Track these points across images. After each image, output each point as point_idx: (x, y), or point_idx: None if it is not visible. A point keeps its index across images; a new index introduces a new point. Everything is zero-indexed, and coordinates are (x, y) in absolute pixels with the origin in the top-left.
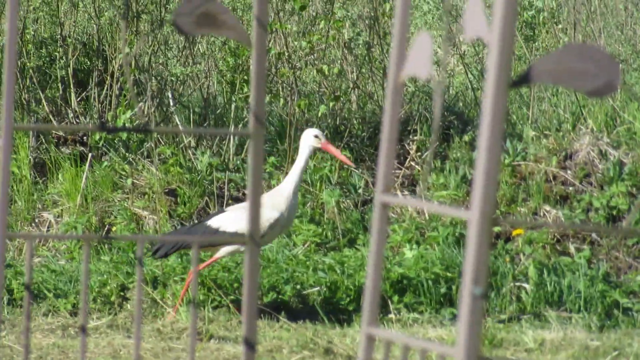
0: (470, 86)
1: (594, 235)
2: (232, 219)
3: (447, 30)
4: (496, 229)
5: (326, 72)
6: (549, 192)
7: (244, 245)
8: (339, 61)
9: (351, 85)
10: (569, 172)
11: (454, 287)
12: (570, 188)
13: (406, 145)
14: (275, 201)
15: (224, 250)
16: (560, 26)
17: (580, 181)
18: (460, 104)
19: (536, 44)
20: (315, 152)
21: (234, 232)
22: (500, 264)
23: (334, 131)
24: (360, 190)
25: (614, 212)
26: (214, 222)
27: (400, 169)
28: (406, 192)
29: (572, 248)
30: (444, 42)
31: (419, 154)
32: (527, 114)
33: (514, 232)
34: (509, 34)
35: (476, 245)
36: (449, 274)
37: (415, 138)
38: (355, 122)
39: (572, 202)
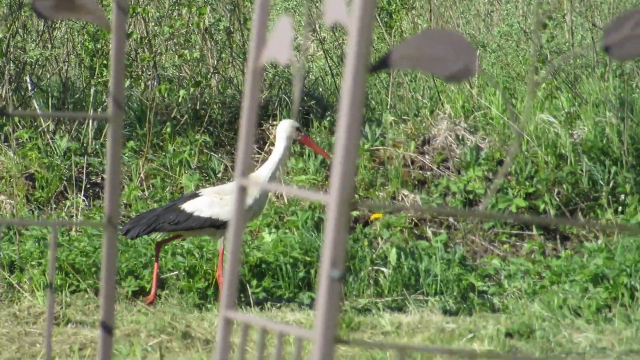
0: (330, 71)
1: (450, 219)
2: (207, 204)
3: (307, 15)
4: (355, 213)
5: (187, 57)
6: (407, 176)
7: (219, 231)
8: (199, 46)
9: (211, 70)
10: (426, 156)
11: (312, 271)
12: (428, 173)
13: (266, 130)
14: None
15: (220, 242)
16: (414, 12)
17: (438, 166)
18: (320, 89)
19: (394, 29)
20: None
21: (209, 217)
22: (358, 248)
23: (194, 116)
24: (219, 175)
25: (471, 197)
26: (188, 206)
27: (260, 154)
28: None
29: (429, 232)
30: (305, 27)
31: None
32: (386, 100)
33: (373, 216)
34: (368, 18)
35: (334, 228)
36: (307, 258)
37: (275, 122)
38: (215, 107)
39: (430, 186)
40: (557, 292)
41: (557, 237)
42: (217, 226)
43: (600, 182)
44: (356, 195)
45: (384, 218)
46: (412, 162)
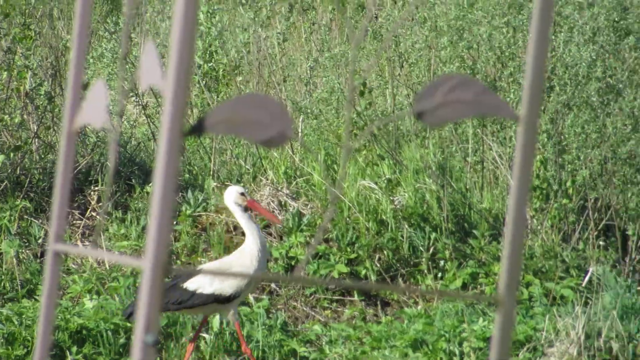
0: (152, 137)
1: (273, 285)
2: (209, 279)
3: (121, 79)
4: None
5: (7, 122)
6: (230, 242)
7: (224, 306)
8: (19, 111)
9: (32, 135)
10: None
11: (133, 337)
12: None
13: (88, 196)
14: (243, 261)
15: (232, 316)
16: (240, 78)
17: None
18: (142, 155)
19: (220, 95)
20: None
21: (212, 292)
22: (180, 314)
23: (15, 182)
24: (40, 241)
25: (293, 262)
26: (191, 284)
27: (82, 220)
28: (87, 243)
29: (251, 298)
30: (120, 92)
31: (100, 204)
32: (209, 165)
33: None
34: (183, 82)
35: (148, 293)
36: (128, 324)
37: (96, 188)
38: (35, 172)
39: None
40: (377, 358)
41: (378, 302)
42: (220, 301)
43: (421, 248)
44: (178, 261)
45: None
46: (235, 227)
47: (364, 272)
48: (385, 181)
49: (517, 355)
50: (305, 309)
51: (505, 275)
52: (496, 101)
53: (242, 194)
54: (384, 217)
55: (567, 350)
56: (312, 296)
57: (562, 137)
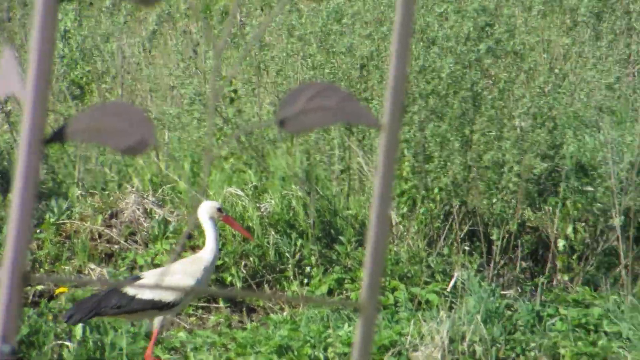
0: (16, 145)
1: None
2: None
3: None
4: (39, 287)
5: None
6: (94, 250)
7: (166, 313)
8: None
9: None
10: (114, 230)
11: None
12: (116, 246)
13: None
14: (193, 269)
15: (157, 322)
16: (105, 86)
17: (126, 239)
18: (5, 163)
19: (85, 103)
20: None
21: (151, 299)
22: (42, 322)
23: None
24: None
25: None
26: (131, 289)
27: None
28: None
29: None
30: None
31: None
32: (73, 173)
33: (57, 291)
34: (43, 90)
35: (7, 302)
36: None
37: None
38: None
39: (117, 259)
40: None
41: (244, 309)
42: (160, 308)
43: (287, 254)
44: (42, 270)
45: (69, 292)
46: (100, 235)
47: (229, 278)
48: (252, 188)
49: (382, 359)
50: (169, 316)
51: (367, 280)
52: (359, 109)
53: (220, 209)
54: (251, 224)
55: (431, 354)
56: None
57: (425, 145)
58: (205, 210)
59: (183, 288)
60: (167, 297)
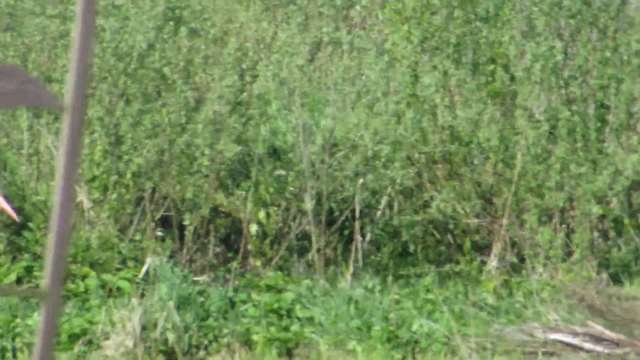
0: None
1: None
2: None
3: None
4: None
5: None
6: None
7: None
8: None
9: None
10: None
11: None
12: None
13: None
14: None
15: None
16: None
17: None
18: None
19: None
20: None
21: None
22: None
23: None
24: None
25: None
26: None
27: None
28: None
29: None
30: None
31: None
32: None
33: None
34: None
35: None
36: None
37: None
38: None
39: None
40: None
41: None
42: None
43: None
44: None
45: None
46: None
47: None
48: None
49: (73, 349)
50: None
51: (51, 267)
52: (41, 91)
53: None
54: None
55: (123, 342)
56: None
57: (117, 127)
58: None
59: None
60: None
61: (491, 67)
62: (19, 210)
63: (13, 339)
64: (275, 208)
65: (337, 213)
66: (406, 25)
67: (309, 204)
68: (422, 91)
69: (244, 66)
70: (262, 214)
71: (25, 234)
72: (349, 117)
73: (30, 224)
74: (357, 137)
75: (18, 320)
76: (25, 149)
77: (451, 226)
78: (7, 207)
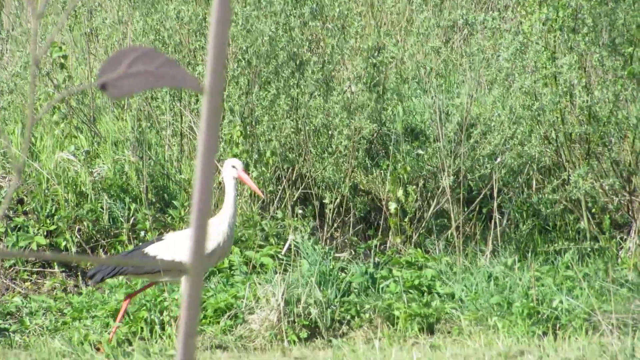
0: None
1: None
2: (169, 247)
3: None
4: None
5: None
6: None
7: (180, 274)
8: None
9: None
10: None
11: None
12: None
13: None
14: (213, 232)
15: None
16: None
17: None
18: None
19: None
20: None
21: (171, 260)
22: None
23: None
24: None
25: None
26: (152, 249)
27: None
28: None
29: None
30: None
31: None
32: None
33: None
34: None
35: None
36: None
37: None
38: None
39: None
40: (78, 328)
41: (79, 273)
42: (182, 270)
43: (121, 219)
44: None
45: None
46: None
47: (64, 243)
48: (84, 153)
49: (219, 322)
50: (5, 281)
51: (193, 244)
52: (180, 72)
53: (233, 166)
54: (84, 189)
55: (267, 316)
56: (12, 268)
57: (253, 108)
58: (228, 170)
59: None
60: (187, 258)
61: (629, 49)
62: (163, 189)
63: (161, 313)
64: (414, 187)
65: (475, 192)
66: (544, 7)
67: (446, 181)
68: (560, 71)
69: (377, 47)
70: (400, 192)
71: (170, 211)
72: (485, 97)
73: (175, 202)
74: (493, 116)
75: (165, 294)
76: (167, 129)
77: (590, 204)
78: (254, 186)
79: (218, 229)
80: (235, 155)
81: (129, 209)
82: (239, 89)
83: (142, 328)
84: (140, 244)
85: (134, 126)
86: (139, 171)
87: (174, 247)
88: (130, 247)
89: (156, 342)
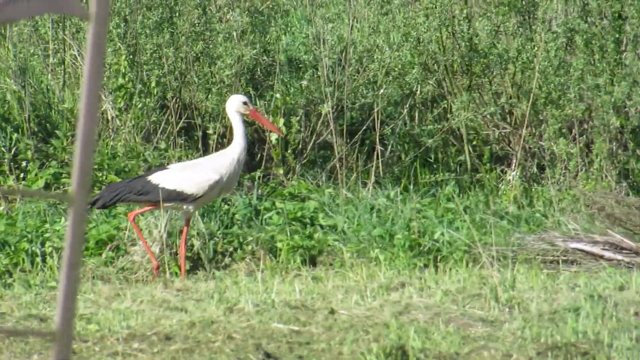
0: None
1: None
2: (173, 176)
3: None
4: None
5: None
6: None
7: (183, 202)
8: None
9: None
10: None
11: None
12: None
13: None
14: (218, 164)
15: (183, 217)
16: None
17: None
18: None
19: None
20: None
21: (174, 189)
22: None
23: None
24: None
25: None
26: (155, 177)
27: None
28: None
29: None
30: None
31: None
32: None
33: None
34: None
35: None
36: None
37: None
38: None
39: None
40: None
41: None
42: (182, 199)
43: (2, 149)
44: None
45: None
46: None
47: None
48: None
49: (101, 254)
50: None
51: (78, 173)
52: None
53: (245, 103)
54: None
55: (150, 248)
56: None
57: (136, 37)
58: (232, 105)
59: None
60: (190, 188)
61: None
62: (45, 118)
63: (42, 244)
64: (297, 118)
65: (358, 124)
66: None
67: (327, 108)
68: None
69: None
70: (281, 123)
71: (53, 141)
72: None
73: (58, 132)
74: (372, 44)
75: (47, 225)
76: (51, 57)
77: (471, 137)
78: (269, 123)
79: (223, 161)
80: (120, 86)
81: (11, 138)
82: (121, 15)
83: (23, 259)
84: (147, 171)
85: (16, 54)
86: (22, 100)
87: (177, 176)
88: (12, 178)
89: (37, 274)
